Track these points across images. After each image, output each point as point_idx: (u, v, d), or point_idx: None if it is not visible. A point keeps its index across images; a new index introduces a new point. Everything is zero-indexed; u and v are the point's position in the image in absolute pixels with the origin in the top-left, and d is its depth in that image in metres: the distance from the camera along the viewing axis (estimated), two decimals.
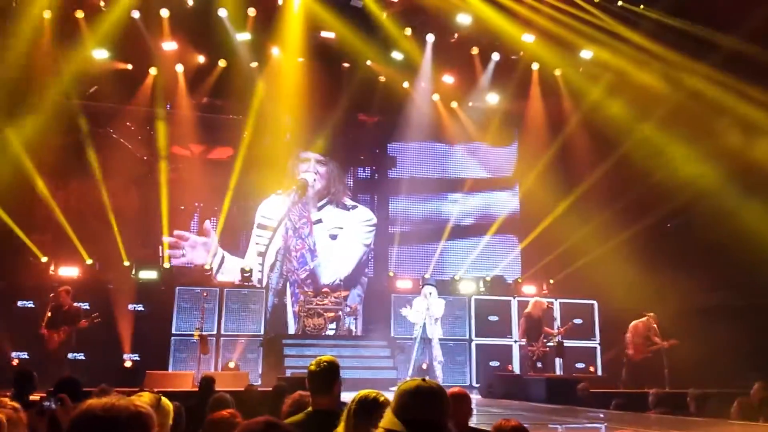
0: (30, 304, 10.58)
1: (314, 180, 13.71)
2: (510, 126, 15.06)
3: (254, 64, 12.91)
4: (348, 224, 13.98)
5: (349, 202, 14.15)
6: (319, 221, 13.72)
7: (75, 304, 9.80)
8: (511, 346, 13.01)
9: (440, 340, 11.54)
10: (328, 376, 3.62)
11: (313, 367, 3.64)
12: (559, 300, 13.23)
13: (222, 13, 12.04)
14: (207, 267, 12.46)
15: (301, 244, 13.44)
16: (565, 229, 13.36)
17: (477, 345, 12.85)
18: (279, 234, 13.34)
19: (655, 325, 11.10)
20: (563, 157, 14.07)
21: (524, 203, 15.12)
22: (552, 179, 13.84)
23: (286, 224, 13.42)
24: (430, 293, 11.24)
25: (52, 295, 9.89)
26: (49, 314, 9.49)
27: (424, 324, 11.03)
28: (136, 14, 11.69)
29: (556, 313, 13.11)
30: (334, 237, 13.81)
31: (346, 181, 14.24)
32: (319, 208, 13.82)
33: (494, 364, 12.66)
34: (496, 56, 13.71)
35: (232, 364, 10.73)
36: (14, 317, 10.44)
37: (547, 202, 13.80)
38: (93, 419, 1.77)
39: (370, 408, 2.91)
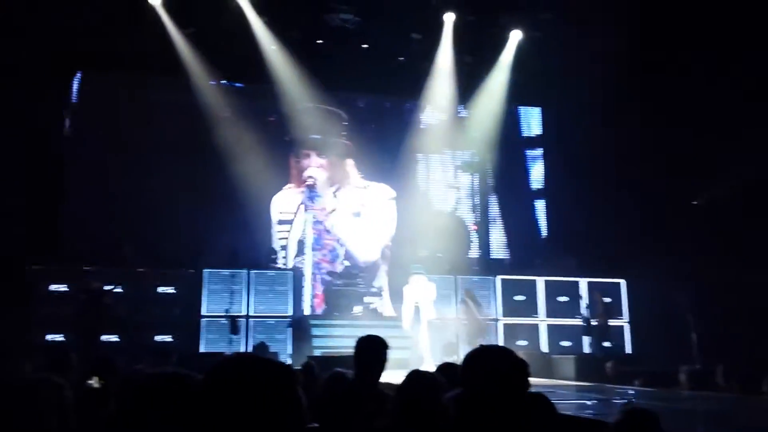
0: (63, 287, 10.78)
1: (319, 173, 13.82)
2: None
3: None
4: (367, 202, 14.02)
5: (361, 181, 14.13)
6: (334, 210, 13.77)
7: (105, 287, 10.00)
8: (537, 325, 13.04)
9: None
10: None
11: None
12: (586, 279, 13.23)
13: None
14: None
15: (329, 237, 13.52)
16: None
17: (504, 325, 12.89)
18: (298, 224, 13.45)
19: None
20: None
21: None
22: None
23: (307, 217, 13.51)
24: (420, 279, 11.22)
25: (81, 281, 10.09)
26: (82, 300, 9.69)
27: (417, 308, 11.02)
28: None
29: (583, 293, 13.13)
30: (357, 215, 13.87)
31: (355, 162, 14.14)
32: (334, 195, 13.90)
33: (522, 343, 12.67)
34: None
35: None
36: (48, 301, 10.67)
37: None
38: (245, 361, 1.77)
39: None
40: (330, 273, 12.99)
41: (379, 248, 13.74)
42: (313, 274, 13.09)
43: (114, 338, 10.36)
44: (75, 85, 12.92)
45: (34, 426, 2.44)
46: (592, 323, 12.17)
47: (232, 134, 12.52)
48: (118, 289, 10.33)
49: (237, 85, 13.44)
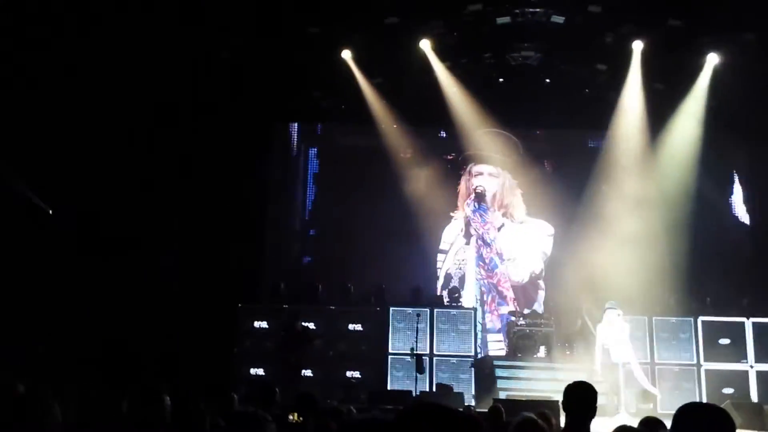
0: (264, 324, 11.65)
1: (490, 188, 13.83)
2: None
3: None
4: (526, 234, 13.77)
5: (523, 216, 13.88)
6: (503, 226, 13.68)
7: (303, 324, 10.69)
8: (746, 371, 11.83)
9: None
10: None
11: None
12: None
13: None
14: None
15: (490, 250, 13.43)
16: None
17: (706, 371, 11.85)
18: (453, 253, 13.55)
19: None
20: None
21: None
22: None
23: (470, 236, 13.53)
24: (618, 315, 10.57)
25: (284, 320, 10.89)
26: (283, 336, 10.43)
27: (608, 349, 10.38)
28: None
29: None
30: (515, 242, 13.72)
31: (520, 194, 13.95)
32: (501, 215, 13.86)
33: (728, 391, 11.57)
34: None
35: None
36: (252, 337, 11.60)
37: None
38: (434, 411, 1.86)
39: None
40: (513, 313, 12.78)
41: (539, 269, 13.51)
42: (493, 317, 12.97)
43: (309, 373, 10.99)
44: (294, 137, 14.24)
45: None
46: None
47: (412, 173, 13.02)
48: (312, 326, 10.98)
49: (419, 128, 13.91)
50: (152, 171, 11.93)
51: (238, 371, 11.17)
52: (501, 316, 13.08)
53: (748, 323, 12.08)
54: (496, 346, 12.79)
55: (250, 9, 11.27)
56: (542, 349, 11.74)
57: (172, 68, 11.59)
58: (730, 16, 11.38)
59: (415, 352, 10.99)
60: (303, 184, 14.05)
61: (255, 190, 13.36)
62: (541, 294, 13.41)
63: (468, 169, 14.01)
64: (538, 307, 13.22)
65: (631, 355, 10.53)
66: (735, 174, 14.46)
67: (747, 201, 14.29)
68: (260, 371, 11.23)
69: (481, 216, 13.65)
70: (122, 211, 11.47)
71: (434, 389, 11.09)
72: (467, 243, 13.60)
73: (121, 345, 10.57)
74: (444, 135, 13.82)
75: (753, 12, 11.11)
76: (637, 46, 12.47)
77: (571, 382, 3.92)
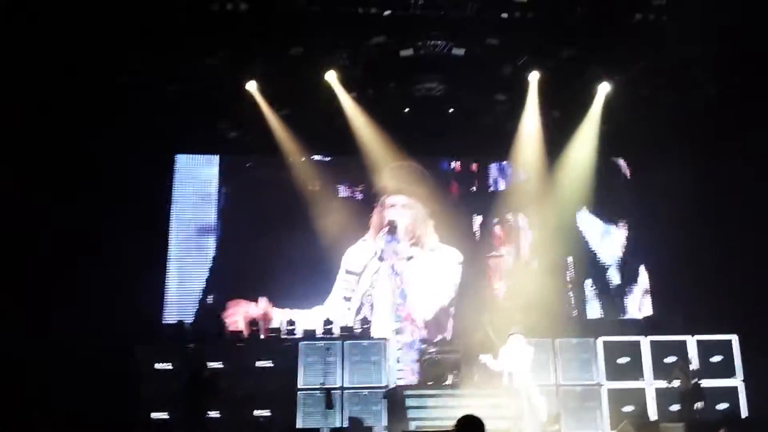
0: (168, 366, 11.28)
1: (402, 220, 13.90)
2: None
3: None
4: (436, 263, 13.93)
5: (435, 244, 14.05)
6: (411, 257, 13.79)
7: (209, 365, 10.42)
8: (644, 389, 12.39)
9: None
10: None
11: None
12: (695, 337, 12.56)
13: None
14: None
15: (398, 281, 13.53)
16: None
17: (609, 390, 12.32)
18: (367, 278, 13.55)
19: None
20: None
21: None
22: None
23: (380, 266, 13.58)
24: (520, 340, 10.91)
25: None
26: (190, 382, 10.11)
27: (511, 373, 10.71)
28: None
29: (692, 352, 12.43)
30: (424, 274, 13.80)
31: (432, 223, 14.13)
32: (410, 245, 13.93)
33: (628, 409, 12.07)
34: None
35: None
36: (154, 379, 11.18)
37: None
38: None
39: None
40: (423, 340, 12.92)
41: (444, 305, 13.63)
42: (402, 347, 13.05)
43: (216, 414, 10.70)
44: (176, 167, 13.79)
45: None
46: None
47: (322, 206, 12.99)
48: (219, 365, 10.71)
49: (326, 158, 13.88)
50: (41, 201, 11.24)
51: (138, 417, 10.72)
52: (411, 344, 13.14)
53: (645, 341, 12.66)
54: (408, 376, 12.81)
55: (151, 33, 11.01)
56: (450, 376, 11.88)
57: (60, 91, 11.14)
58: (621, 47, 12.02)
59: (324, 386, 10.89)
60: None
61: (158, 223, 13.03)
62: (451, 321, 13.56)
63: (380, 201, 14.00)
64: (448, 334, 13.38)
65: (531, 379, 10.83)
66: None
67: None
68: (164, 415, 10.84)
69: (392, 248, 13.71)
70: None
71: (345, 424, 11.03)
72: (378, 272, 13.62)
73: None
74: (354, 166, 13.75)
75: (644, 43, 11.82)
76: (534, 76, 12.97)
77: (463, 415, 4.35)
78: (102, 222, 11.59)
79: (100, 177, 11.98)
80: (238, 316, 12.88)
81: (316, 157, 13.71)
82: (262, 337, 12.48)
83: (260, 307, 12.99)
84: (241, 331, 12.55)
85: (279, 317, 12.85)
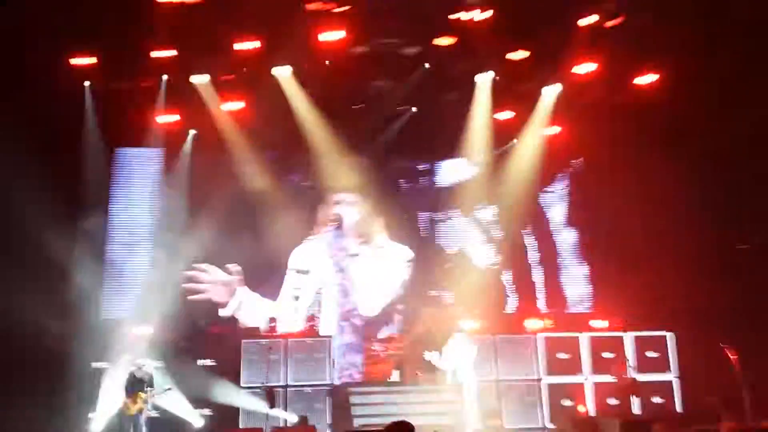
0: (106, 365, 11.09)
1: (348, 216, 13.79)
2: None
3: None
4: (384, 261, 13.89)
5: (384, 241, 14.02)
6: (356, 255, 13.73)
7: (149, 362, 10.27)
8: (582, 384, 12.73)
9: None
10: None
11: None
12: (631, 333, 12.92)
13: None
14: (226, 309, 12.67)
15: (343, 278, 13.50)
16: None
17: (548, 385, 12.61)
18: (316, 276, 13.44)
19: None
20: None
21: None
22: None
23: (327, 263, 13.51)
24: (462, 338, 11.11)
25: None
26: (126, 380, 9.97)
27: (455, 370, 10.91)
28: None
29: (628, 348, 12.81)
30: (370, 271, 13.75)
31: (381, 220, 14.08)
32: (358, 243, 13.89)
33: (567, 403, 12.38)
34: None
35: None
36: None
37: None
38: None
39: None
40: (367, 339, 12.94)
41: (389, 303, 13.61)
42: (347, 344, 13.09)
43: (155, 414, 10.56)
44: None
45: None
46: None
47: (268, 202, 12.86)
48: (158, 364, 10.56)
49: (274, 154, 13.69)
50: None
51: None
52: (356, 342, 13.15)
53: (584, 337, 12.98)
54: (353, 374, 12.83)
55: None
56: (396, 373, 12.00)
57: None
58: (571, 49, 12.20)
59: (266, 384, 10.84)
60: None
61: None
62: (398, 318, 13.58)
63: (327, 197, 13.84)
64: (393, 330, 13.42)
65: (473, 375, 11.04)
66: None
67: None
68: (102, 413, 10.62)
69: (337, 244, 13.66)
70: None
71: (287, 423, 11.01)
72: (324, 269, 13.55)
73: None
74: (302, 162, 13.57)
75: (595, 44, 12.03)
76: (484, 77, 13.10)
77: (395, 421, 4.35)
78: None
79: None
80: None
81: (264, 153, 13.45)
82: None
83: None
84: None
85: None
